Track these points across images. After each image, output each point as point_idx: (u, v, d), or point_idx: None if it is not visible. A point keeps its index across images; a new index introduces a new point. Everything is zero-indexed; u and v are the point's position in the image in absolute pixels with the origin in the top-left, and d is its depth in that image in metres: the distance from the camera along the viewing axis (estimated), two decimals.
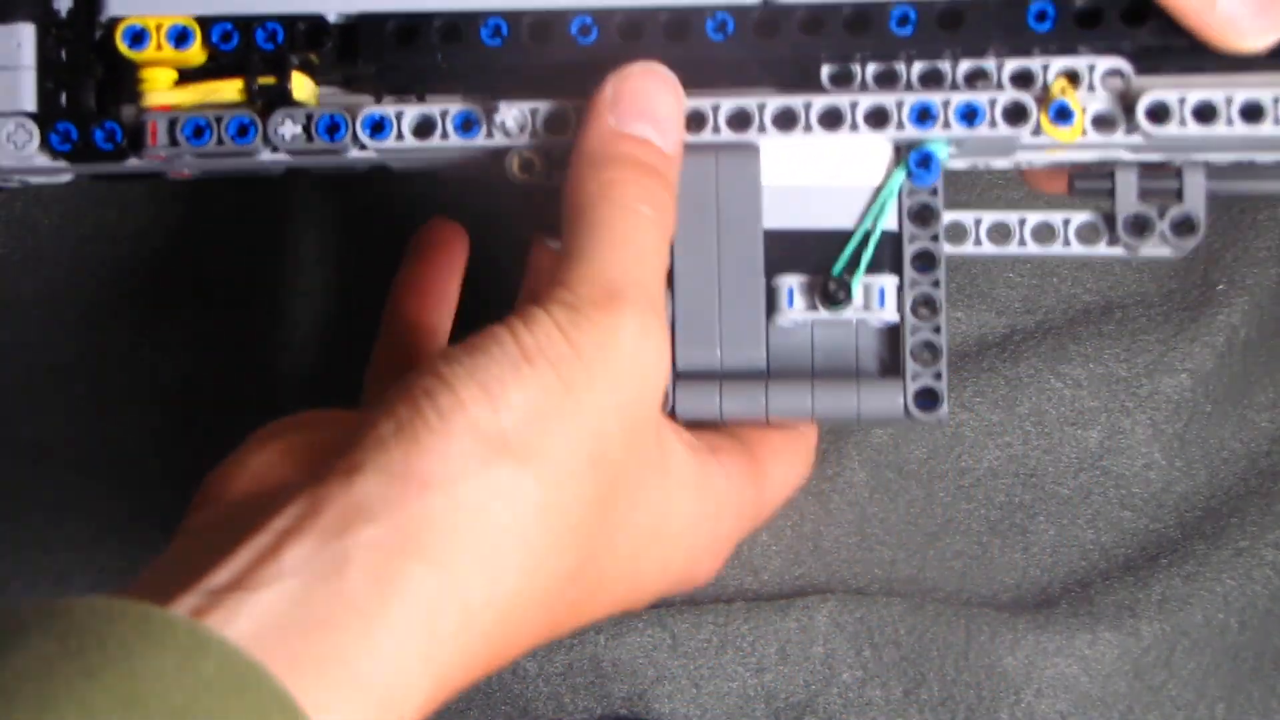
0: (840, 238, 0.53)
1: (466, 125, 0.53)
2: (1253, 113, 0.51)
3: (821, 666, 0.69)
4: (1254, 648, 0.71)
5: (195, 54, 0.53)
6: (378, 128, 0.53)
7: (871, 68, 0.53)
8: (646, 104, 0.51)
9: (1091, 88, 0.52)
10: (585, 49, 0.52)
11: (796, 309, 0.52)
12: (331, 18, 0.53)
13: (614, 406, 0.47)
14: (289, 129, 0.53)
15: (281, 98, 0.53)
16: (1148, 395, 0.72)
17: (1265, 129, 0.51)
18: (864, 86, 0.53)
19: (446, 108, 0.53)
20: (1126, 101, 0.52)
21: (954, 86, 0.53)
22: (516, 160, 0.52)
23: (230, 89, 0.53)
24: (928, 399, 0.53)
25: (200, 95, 0.53)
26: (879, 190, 0.53)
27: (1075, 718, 0.69)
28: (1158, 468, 0.72)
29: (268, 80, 0.53)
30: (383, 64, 0.53)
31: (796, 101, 0.52)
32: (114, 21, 0.53)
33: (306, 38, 0.53)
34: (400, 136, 0.53)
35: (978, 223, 0.56)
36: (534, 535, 0.45)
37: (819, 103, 0.52)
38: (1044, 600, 0.71)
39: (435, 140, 0.53)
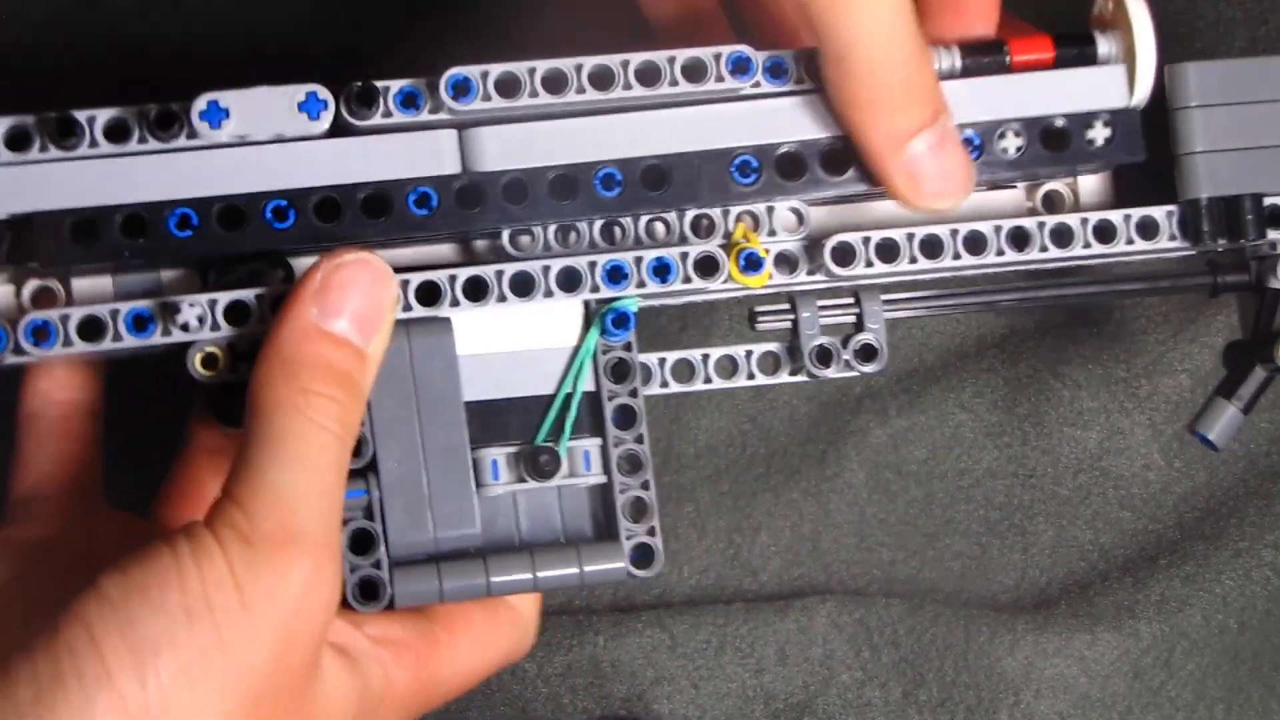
0: (537, 403, 0.52)
1: (140, 323, 0.49)
2: (933, 247, 0.53)
3: (820, 667, 0.69)
4: (1253, 648, 0.71)
5: None
6: (41, 334, 0.49)
7: (552, 227, 0.52)
8: (353, 298, 0.48)
9: (772, 231, 0.53)
10: (281, 234, 0.50)
11: (502, 481, 0.52)
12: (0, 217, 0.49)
13: (272, 662, 0.45)
14: None
15: None
16: (1147, 396, 0.72)
17: (945, 261, 0.53)
18: (546, 247, 0.52)
19: (118, 307, 0.49)
20: (807, 242, 0.53)
21: (637, 240, 0.52)
22: (199, 356, 0.50)
23: None
24: (643, 555, 0.52)
25: None
26: (575, 351, 0.53)
27: (1074, 718, 0.69)
28: (1157, 468, 0.72)
29: None
30: (62, 263, 0.49)
31: (487, 271, 0.51)
32: None
33: None
34: (68, 342, 0.49)
35: (662, 362, 0.56)
36: None
37: (510, 270, 0.51)
38: (1043, 601, 0.71)
39: (106, 343, 0.49)
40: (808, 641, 0.69)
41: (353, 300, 0.48)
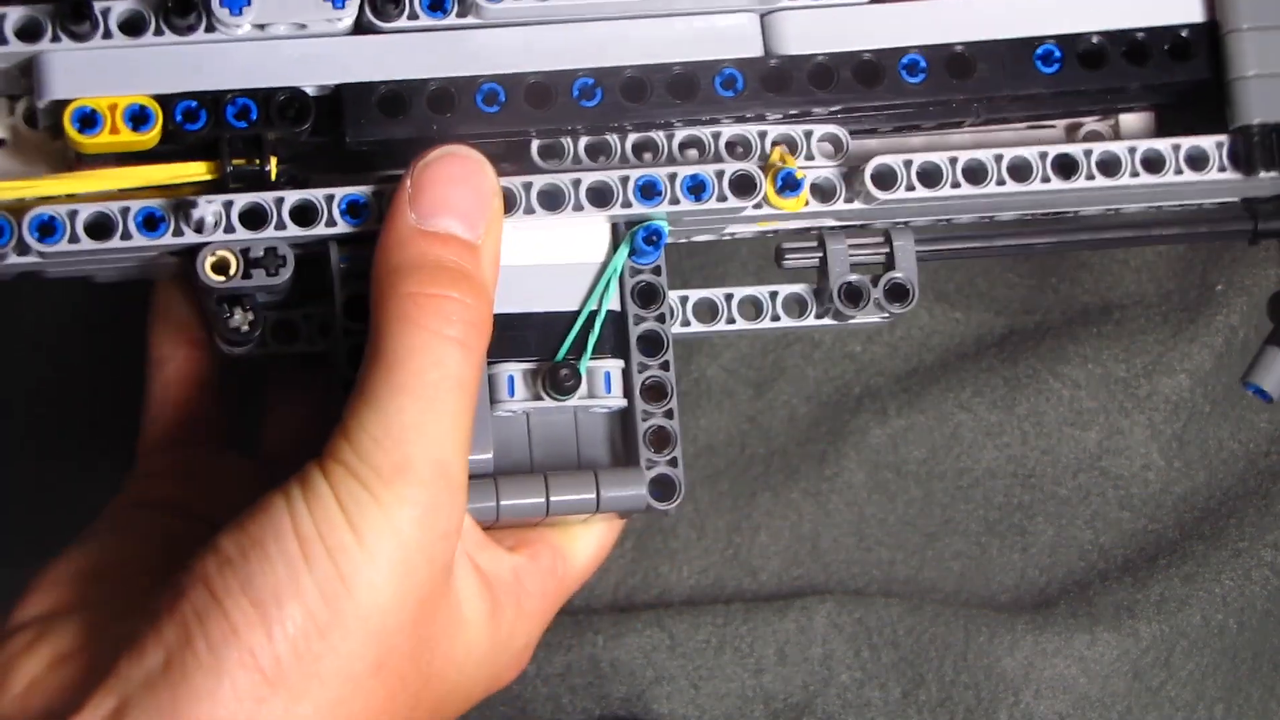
0: (559, 319, 0.51)
1: (151, 223, 0.48)
2: (976, 173, 0.52)
3: (820, 667, 0.69)
4: (1252, 648, 0.71)
5: (152, 136, 0.48)
6: (47, 230, 0.47)
7: (583, 140, 0.51)
8: (450, 192, 0.47)
9: (809, 154, 0.52)
10: (587, 112, 0.50)
11: (518, 398, 0.50)
12: (310, 90, 0.49)
13: (399, 599, 0.44)
14: None
15: (259, 181, 0.48)
16: (1146, 396, 0.71)
17: (989, 188, 0.52)
18: (576, 160, 0.51)
19: (128, 205, 0.47)
20: (845, 168, 0.52)
21: (670, 158, 0.51)
22: (210, 260, 0.48)
23: (187, 171, 0.48)
24: (664, 488, 0.50)
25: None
26: (602, 269, 0.51)
27: (1074, 718, 0.69)
28: (1156, 468, 0.72)
29: (239, 162, 0.48)
30: (368, 138, 0.49)
31: (515, 182, 0.49)
32: (59, 105, 0.48)
33: (282, 113, 0.49)
34: (74, 239, 0.47)
35: (684, 301, 0.55)
36: None
37: (539, 182, 0.50)
38: (1042, 601, 0.71)
39: (115, 241, 0.47)
40: (807, 641, 0.69)
41: (448, 194, 0.47)
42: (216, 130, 0.48)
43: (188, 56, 0.48)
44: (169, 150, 0.49)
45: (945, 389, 0.71)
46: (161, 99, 0.48)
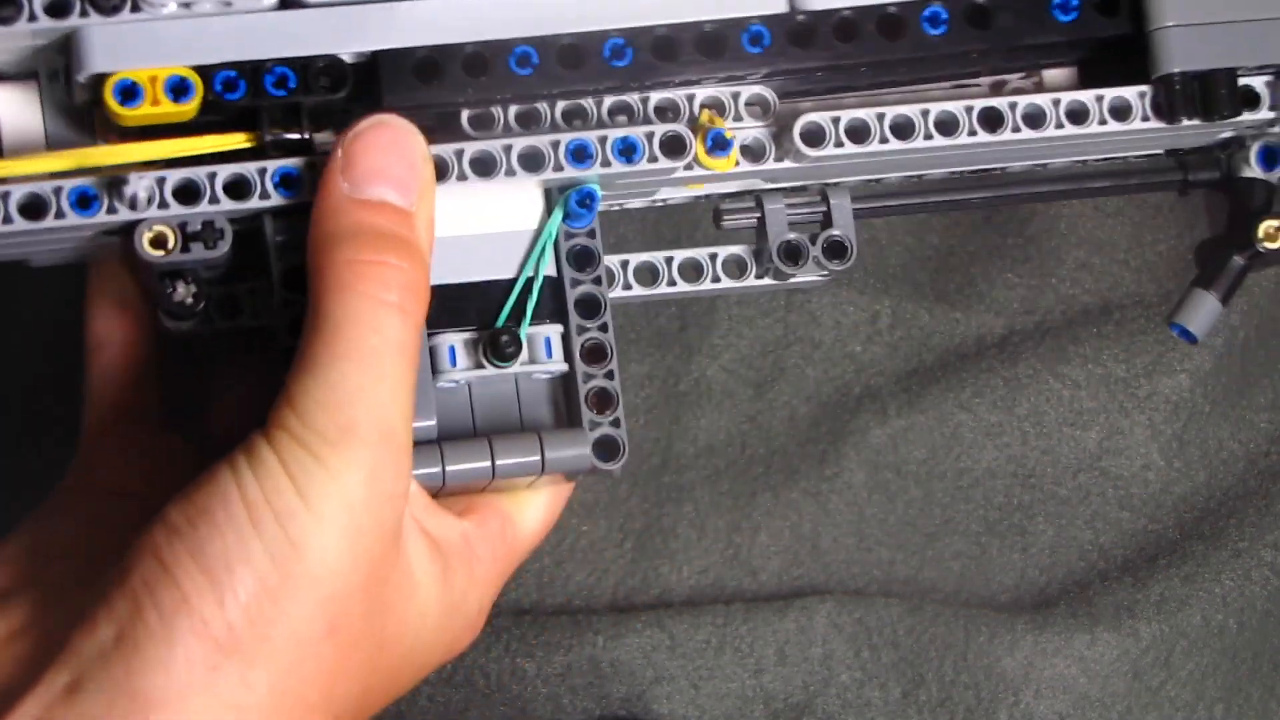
0: (497, 287, 0.51)
1: (84, 201, 0.48)
2: (903, 129, 0.52)
3: (820, 667, 0.69)
4: (1252, 648, 0.71)
5: (192, 107, 0.48)
6: None
7: (513, 110, 0.51)
8: (381, 161, 0.47)
9: (738, 116, 0.53)
10: (618, 72, 0.50)
11: (460, 367, 0.50)
12: (347, 58, 0.49)
13: (350, 562, 0.44)
14: None
15: (305, 150, 0.49)
16: (1146, 396, 0.72)
17: (917, 143, 0.52)
18: (507, 128, 0.51)
19: (60, 184, 0.47)
20: (774, 128, 0.53)
21: (600, 124, 0.52)
22: (148, 236, 0.48)
23: (224, 143, 0.49)
24: (607, 449, 0.51)
25: None
26: (536, 235, 0.51)
27: (1074, 718, 0.69)
28: (1156, 468, 0.72)
29: (278, 131, 0.49)
30: (406, 103, 0.49)
31: (446, 150, 0.49)
32: (99, 78, 0.48)
33: (320, 81, 0.49)
34: (8, 219, 0.47)
35: (625, 265, 0.55)
36: None
37: (470, 149, 0.50)
38: (1042, 601, 0.71)
39: (49, 221, 0.47)
40: (807, 641, 0.69)
41: (380, 163, 0.47)
42: (255, 100, 0.49)
43: (224, 27, 0.49)
44: (206, 121, 0.49)
45: (945, 389, 0.72)
46: (200, 69, 0.48)
